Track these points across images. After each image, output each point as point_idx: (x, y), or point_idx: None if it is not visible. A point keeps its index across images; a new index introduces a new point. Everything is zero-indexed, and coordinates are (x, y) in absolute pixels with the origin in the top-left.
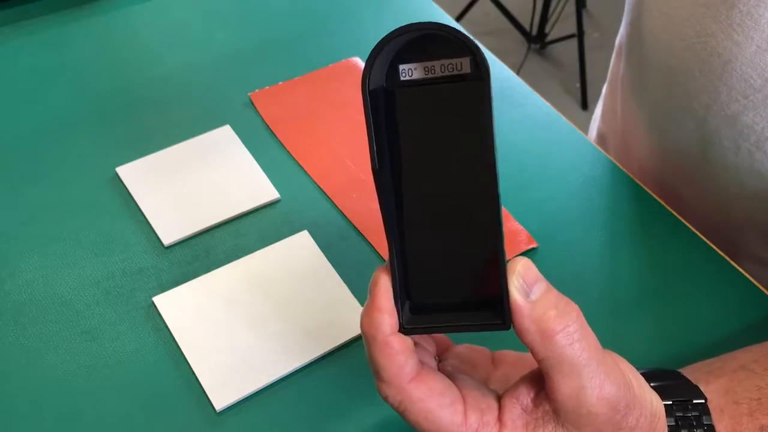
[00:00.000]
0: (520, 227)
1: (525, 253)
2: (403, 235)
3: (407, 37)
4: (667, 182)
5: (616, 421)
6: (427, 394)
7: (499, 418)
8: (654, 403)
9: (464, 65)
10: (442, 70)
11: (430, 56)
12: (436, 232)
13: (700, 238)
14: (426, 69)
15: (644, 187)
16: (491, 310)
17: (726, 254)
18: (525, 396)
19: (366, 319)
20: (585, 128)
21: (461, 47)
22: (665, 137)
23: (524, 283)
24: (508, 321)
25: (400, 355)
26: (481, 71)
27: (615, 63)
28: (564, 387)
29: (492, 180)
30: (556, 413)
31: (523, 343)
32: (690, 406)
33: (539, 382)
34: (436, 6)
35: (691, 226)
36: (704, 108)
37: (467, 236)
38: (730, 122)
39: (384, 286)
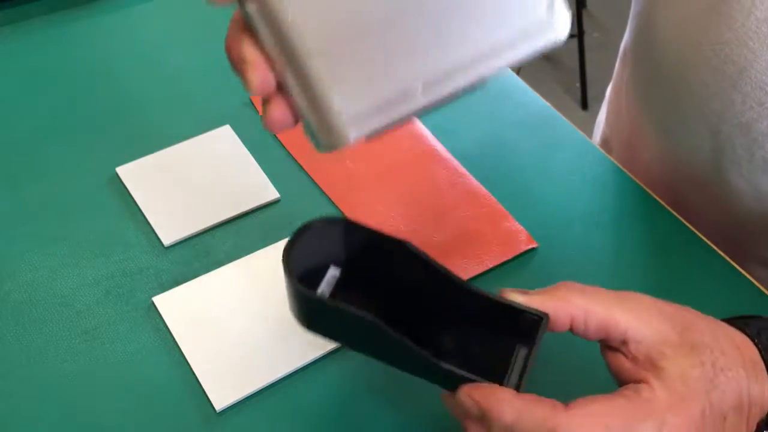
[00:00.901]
0: (520, 227)
1: (525, 253)
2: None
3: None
4: (675, 187)
5: (688, 322)
6: (584, 404)
7: (647, 384)
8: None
9: (335, 272)
10: (329, 285)
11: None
12: (451, 333)
13: (703, 241)
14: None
15: (644, 187)
16: (526, 334)
17: (732, 257)
18: (628, 365)
19: (502, 413)
20: (585, 128)
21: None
22: (676, 144)
23: (516, 292)
24: (543, 314)
25: (542, 400)
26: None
27: (619, 69)
28: (627, 325)
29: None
30: (647, 352)
31: (565, 331)
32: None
33: (617, 350)
34: None
35: (693, 228)
36: (717, 116)
37: (467, 311)
38: (744, 130)
39: (477, 389)
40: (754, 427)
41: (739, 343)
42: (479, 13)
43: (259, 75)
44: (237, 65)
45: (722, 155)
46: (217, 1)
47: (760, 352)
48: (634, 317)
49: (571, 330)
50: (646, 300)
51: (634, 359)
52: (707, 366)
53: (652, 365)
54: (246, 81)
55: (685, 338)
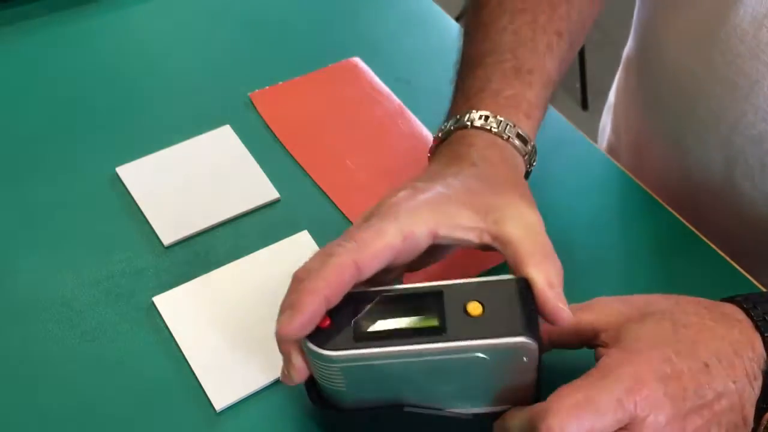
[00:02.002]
0: None
1: None
2: None
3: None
4: (686, 196)
5: (647, 301)
6: (556, 393)
7: (605, 355)
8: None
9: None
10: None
11: None
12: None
13: (707, 243)
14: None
15: (644, 187)
16: None
17: (743, 264)
18: (605, 350)
19: (513, 423)
20: (585, 128)
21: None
22: (686, 154)
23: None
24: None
25: (534, 405)
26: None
27: (623, 76)
28: (593, 320)
29: None
30: (615, 334)
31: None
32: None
33: (598, 345)
34: (436, 6)
35: (696, 230)
36: (729, 128)
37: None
38: (756, 141)
39: (508, 417)
40: (760, 375)
41: (706, 305)
42: (472, 395)
43: (300, 377)
44: (282, 353)
45: (734, 166)
46: (287, 382)
47: (742, 309)
48: (597, 312)
49: (554, 345)
50: (607, 298)
51: (608, 345)
52: (665, 324)
53: (617, 341)
54: (287, 371)
55: (644, 312)
